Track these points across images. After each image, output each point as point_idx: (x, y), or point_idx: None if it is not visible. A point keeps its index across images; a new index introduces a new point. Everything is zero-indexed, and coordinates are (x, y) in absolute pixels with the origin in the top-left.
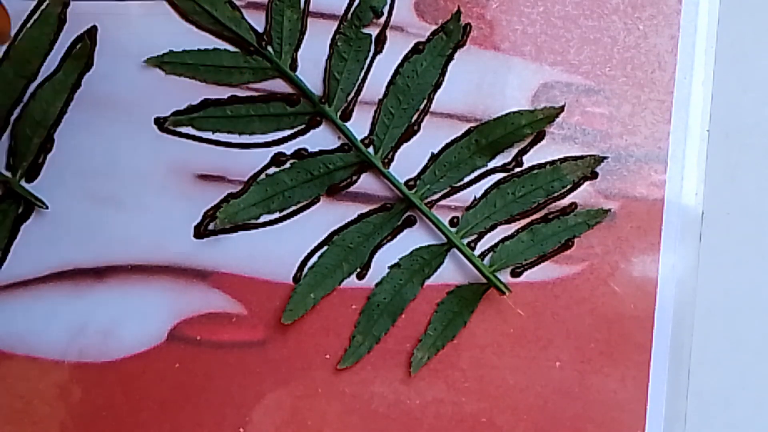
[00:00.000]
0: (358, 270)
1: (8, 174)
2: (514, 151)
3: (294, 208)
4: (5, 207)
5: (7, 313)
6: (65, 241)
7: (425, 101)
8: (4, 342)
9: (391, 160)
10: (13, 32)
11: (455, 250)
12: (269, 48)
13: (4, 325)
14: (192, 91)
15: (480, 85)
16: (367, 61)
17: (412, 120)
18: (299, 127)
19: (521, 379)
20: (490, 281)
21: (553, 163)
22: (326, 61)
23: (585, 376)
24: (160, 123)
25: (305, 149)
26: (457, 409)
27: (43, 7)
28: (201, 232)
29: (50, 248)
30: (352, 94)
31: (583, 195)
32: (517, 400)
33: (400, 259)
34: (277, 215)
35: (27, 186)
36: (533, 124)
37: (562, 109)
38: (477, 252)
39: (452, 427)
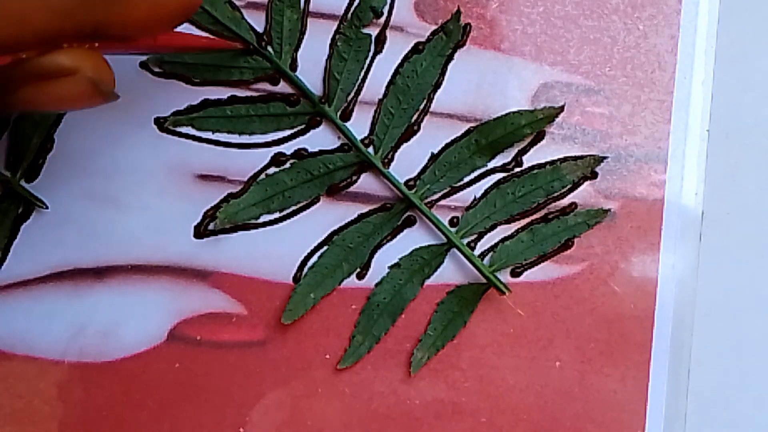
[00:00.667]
0: (358, 270)
1: (8, 174)
2: (514, 151)
3: (294, 208)
4: (5, 207)
5: (6, 313)
6: (65, 241)
7: (425, 101)
8: (3, 342)
9: (391, 160)
10: None
11: (455, 250)
12: (269, 48)
13: (4, 324)
14: (192, 91)
15: (480, 85)
16: (367, 61)
17: (412, 120)
18: (299, 127)
19: (521, 379)
20: (489, 281)
21: (552, 163)
22: (326, 61)
23: (585, 376)
24: (160, 123)
25: (305, 149)
26: (457, 409)
27: None
28: (201, 232)
29: (50, 248)
30: (352, 94)
31: (583, 195)
32: (517, 399)
33: (400, 259)
34: (277, 215)
35: (27, 186)
36: (533, 124)
37: (561, 109)
38: (477, 252)
39: (452, 426)
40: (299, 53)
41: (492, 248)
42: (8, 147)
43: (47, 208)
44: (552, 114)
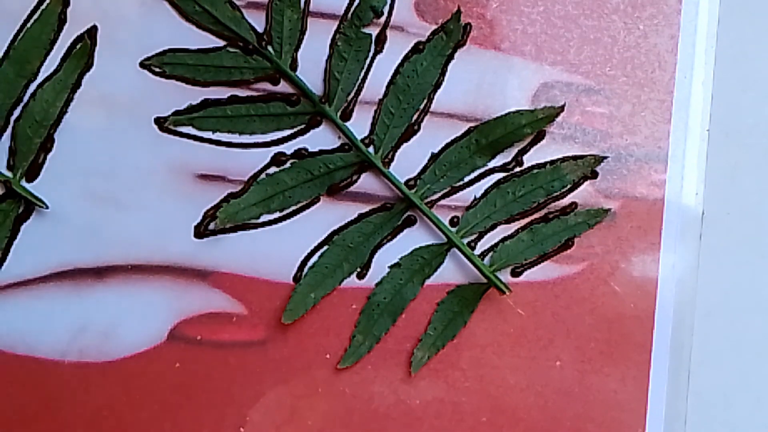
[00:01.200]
0: (359, 270)
1: (9, 174)
2: (514, 150)
3: (294, 207)
4: (6, 207)
5: (7, 313)
6: (65, 241)
7: (425, 101)
8: (4, 342)
9: (391, 159)
10: (12, 34)
11: (455, 249)
12: (269, 48)
13: (5, 324)
14: (192, 91)
15: (480, 84)
16: (367, 61)
17: (412, 120)
18: (299, 127)
19: (521, 379)
20: (490, 281)
21: (553, 162)
22: (326, 60)
23: (585, 375)
24: (161, 123)
25: (305, 149)
26: (458, 409)
27: (43, 6)
28: (201, 231)
29: (50, 248)
30: (352, 94)
31: (583, 195)
32: (517, 399)
33: (401, 258)
34: (277, 215)
35: (27, 186)
36: (533, 124)
37: (562, 108)
38: (477, 252)
39: (452, 426)
40: (299, 53)
41: (492, 248)
42: (9, 147)
43: (47, 207)
44: (552, 114)
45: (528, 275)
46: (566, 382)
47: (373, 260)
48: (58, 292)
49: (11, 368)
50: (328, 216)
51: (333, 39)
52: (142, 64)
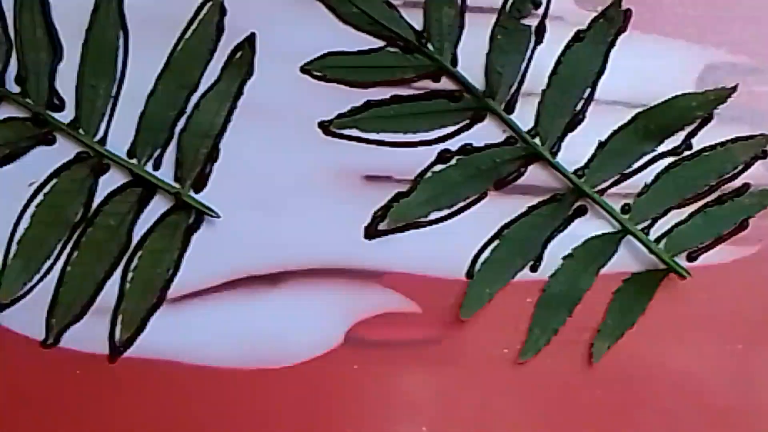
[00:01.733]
0: (532, 262)
1: (177, 185)
2: (682, 134)
3: (462, 203)
4: (176, 218)
5: (183, 324)
6: (236, 249)
7: (589, 89)
8: (181, 352)
9: (558, 150)
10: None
11: (629, 237)
12: (429, 45)
13: (181, 335)
14: (352, 93)
15: (643, 69)
16: (528, 53)
17: (577, 109)
18: (463, 123)
19: (705, 365)
20: (669, 266)
21: (723, 144)
22: (487, 55)
23: None
24: (324, 126)
25: (470, 144)
26: (639, 397)
27: (200, 17)
28: (371, 232)
29: (222, 257)
30: (515, 87)
31: (755, 175)
32: (702, 386)
33: (574, 249)
34: (446, 212)
35: (196, 196)
36: (704, 106)
37: (733, 89)
38: (651, 238)
39: (636, 415)
40: (458, 49)
41: (666, 233)
42: (175, 158)
43: (219, 216)
44: (723, 95)
45: (704, 259)
46: (751, 367)
47: (546, 252)
48: (232, 301)
49: (189, 379)
50: (496, 210)
51: (492, 33)
52: (302, 69)
